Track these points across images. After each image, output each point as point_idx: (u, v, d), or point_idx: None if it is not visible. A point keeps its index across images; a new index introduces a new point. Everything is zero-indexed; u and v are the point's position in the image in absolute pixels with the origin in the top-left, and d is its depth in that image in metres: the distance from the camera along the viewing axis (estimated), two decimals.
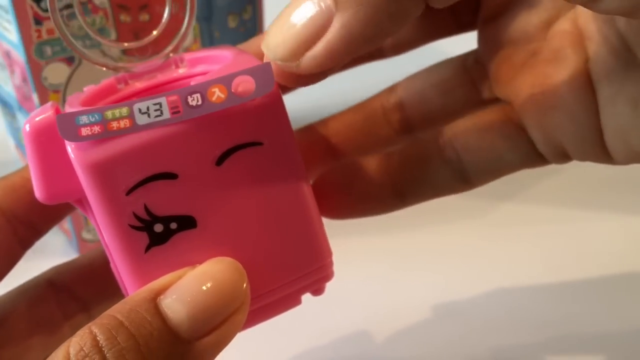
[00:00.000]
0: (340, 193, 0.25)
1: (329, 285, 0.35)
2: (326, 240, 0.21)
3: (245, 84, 0.18)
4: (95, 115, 0.17)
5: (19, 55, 0.32)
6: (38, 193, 0.19)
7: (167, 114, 0.18)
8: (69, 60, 0.33)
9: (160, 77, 0.22)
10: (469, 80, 0.25)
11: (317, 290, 0.22)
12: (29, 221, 0.23)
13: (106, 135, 0.17)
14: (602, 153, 0.22)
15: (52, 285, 0.24)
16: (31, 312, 0.24)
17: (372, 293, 0.34)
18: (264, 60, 0.19)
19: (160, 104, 0.18)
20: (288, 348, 0.31)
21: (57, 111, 0.19)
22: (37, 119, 0.19)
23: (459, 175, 0.24)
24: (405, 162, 0.24)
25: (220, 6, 0.36)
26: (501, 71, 0.23)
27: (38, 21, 0.31)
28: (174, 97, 0.18)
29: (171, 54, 0.21)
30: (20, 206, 0.22)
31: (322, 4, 0.17)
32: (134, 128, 0.17)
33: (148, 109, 0.17)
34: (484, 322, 0.32)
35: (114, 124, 0.17)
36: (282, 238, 0.20)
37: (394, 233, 0.38)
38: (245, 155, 0.19)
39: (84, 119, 0.17)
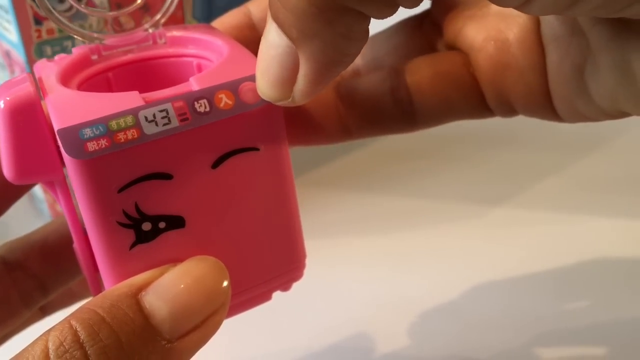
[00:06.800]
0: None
1: (329, 285, 0.35)
2: (302, 243, 0.21)
3: (250, 91, 0.18)
4: (100, 127, 0.16)
5: (19, 55, 0.32)
6: (8, 172, 0.18)
7: (175, 122, 0.17)
8: None
9: (138, 52, 0.21)
10: (427, 44, 0.25)
11: (285, 288, 0.22)
12: None
13: (115, 148, 0.17)
14: (550, 113, 0.22)
15: (4, 263, 0.24)
16: None
17: (371, 293, 0.34)
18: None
19: (166, 111, 0.17)
20: (288, 348, 0.31)
21: (34, 87, 0.18)
22: (14, 96, 0.17)
23: (407, 116, 0.24)
24: (355, 95, 0.24)
25: (220, 6, 0.36)
26: (452, 23, 0.24)
27: (38, 21, 0.31)
28: (180, 103, 0.17)
29: (150, 29, 0.21)
30: None
31: (284, 44, 0.17)
32: (143, 138, 0.17)
33: (154, 116, 0.17)
34: (482, 322, 0.32)
35: (121, 136, 0.17)
36: (265, 240, 0.20)
37: (393, 233, 0.38)
38: (241, 159, 0.19)
39: (87, 132, 0.16)
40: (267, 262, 0.20)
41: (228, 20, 0.24)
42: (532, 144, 0.45)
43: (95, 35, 0.20)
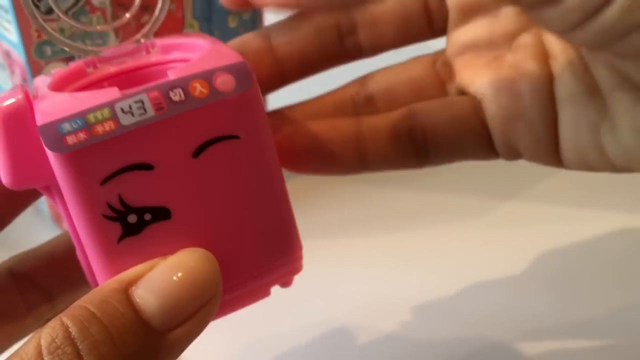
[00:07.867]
0: (305, 152, 0.25)
1: (329, 285, 0.35)
2: (297, 234, 0.21)
3: (225, 80, 0.18)
4: (78, 121, 0.17)
5: (19, 55, 0.32)
6: (5, 178, 0.19)
7: (151, 112, 0.18)
8: (69, 60, 0.33)
9: (132, 62, 0.22)
10: (438, 81, 0.26)
11: (286, 283, 0.22)
12: None
13: (93, 140, 0.17)
14: (555, 161, 0.24)
15: (12, 275, 0.24)
16: None
17: (371, 293, 0.34)
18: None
19: (142, 102, 0.18)
20: (287, 347, 0.31)
21: (26, 94, 0.19)
22: (6, 103, 0.19)
23: (420, 155, 0.25)
24: (374, 133, 0.25)
25: (220, 6, 0.36)
26: (466, 70, 0.25)
27: None
28: (155, 94, 0.18)
29: (142, 40, 0.22)
30: None
31: None
32: (120, 129, 0.17)
33: (130, 107, 0.18)
34: (484, 321, 0.32)
35: (99, 128, 0.17)
36: (255, 231, 0.20)
37: (393, 233, 0.38)
38: (222, 148, 0.19)
39: (66, 126, 0.17)
40: (259, 254, 0.21)
41: (237, 44, 0.25)
42: None
43: (90, 48, 0.21)
